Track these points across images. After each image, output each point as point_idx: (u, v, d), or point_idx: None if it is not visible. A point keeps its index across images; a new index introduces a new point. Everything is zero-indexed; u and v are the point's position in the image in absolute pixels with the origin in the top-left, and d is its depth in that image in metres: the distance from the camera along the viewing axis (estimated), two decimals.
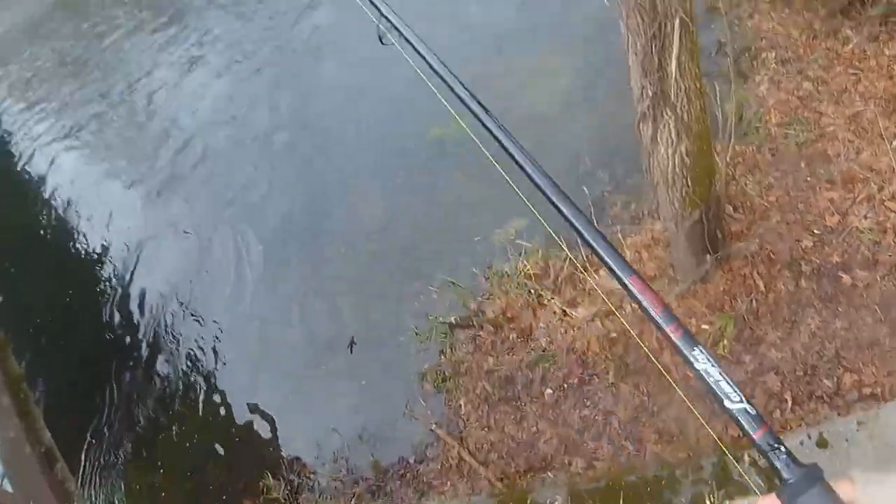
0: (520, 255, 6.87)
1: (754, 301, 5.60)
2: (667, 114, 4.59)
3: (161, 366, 8.59)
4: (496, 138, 2.34)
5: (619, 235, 6.46)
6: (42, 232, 12.88)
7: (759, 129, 7.25)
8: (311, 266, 8.71)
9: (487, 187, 8.01)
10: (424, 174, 9.03)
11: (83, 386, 8.76)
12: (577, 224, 2.04)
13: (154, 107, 14.64)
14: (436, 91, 2.97)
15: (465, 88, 2.62)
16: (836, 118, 7.08)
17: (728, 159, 5.99)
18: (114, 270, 10.48)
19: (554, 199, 2.36)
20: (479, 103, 2.51)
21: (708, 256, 5.52)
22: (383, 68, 10.54)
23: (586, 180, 7.35)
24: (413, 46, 3.11)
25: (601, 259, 1.79)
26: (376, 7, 3.46)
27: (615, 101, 7.46)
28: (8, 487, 4.30)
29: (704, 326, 5.55)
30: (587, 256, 6.48)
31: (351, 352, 7.42)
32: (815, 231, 6.01)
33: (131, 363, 8.81)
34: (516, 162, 2.38)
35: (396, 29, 3.39)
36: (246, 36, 15.15)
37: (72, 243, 11.85)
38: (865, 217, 5.99)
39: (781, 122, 7.23)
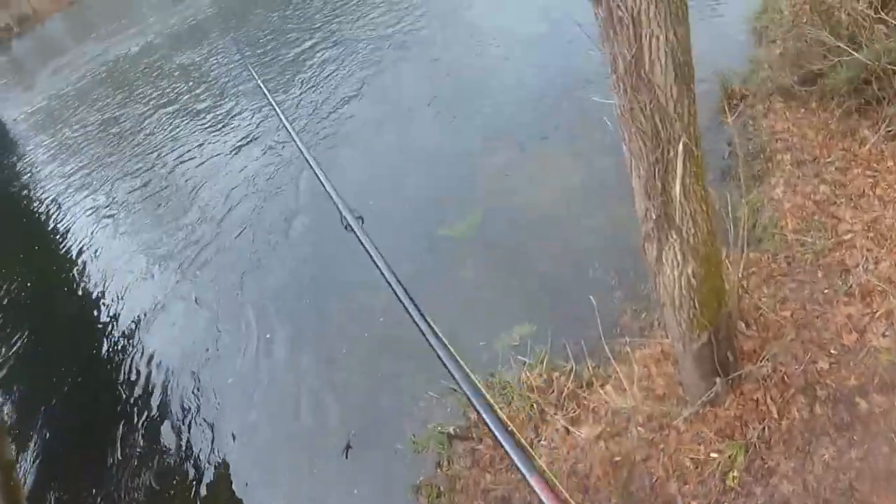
0: (524, 364, 6.63)
1: (767, 428, 5.30)
2: (672, 236, 4.40)
3: (151, 451, 8.45)
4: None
5: (628, 349, 6.19)
6: (62, 294, 13.01)
7: (774, 236, 7.04)
8: (315, 360, 8.58)
9: (493, 288, 7.87)
10: (431, 270, 8.90)
11: (76, 472, 8.61)
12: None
13: (187, 182, 14.95)
14: None
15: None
16: (853, 224, 6.86)
17: (741, 271, 5.77)
18: (123, 345, 10.52)
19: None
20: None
21: (718, 379, 5.25)
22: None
23: (595, 286, 7.16)
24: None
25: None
26: None
27: (626, 203, 7.29)
28: None
29: (713, 455, 5.25)
30: (593, 370, 6.26)
31: (346, 457, 7.18)
32: (832, 351, 5.73)
33: (125, 449, 8.65)
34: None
35: None
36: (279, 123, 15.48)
37: (91, 309, 11.94)
38: (884, 335, 5.71)
39: (797, 229, 7.01)
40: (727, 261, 5.72)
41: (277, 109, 7.16)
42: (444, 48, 15.99)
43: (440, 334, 3.33)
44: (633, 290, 7.17)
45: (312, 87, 16.86)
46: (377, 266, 3.72)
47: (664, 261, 4.60)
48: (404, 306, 3.50)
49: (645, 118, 3.89)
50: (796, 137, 8.28)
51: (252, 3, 28.30)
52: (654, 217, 4.33)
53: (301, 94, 16.65)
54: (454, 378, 3.31)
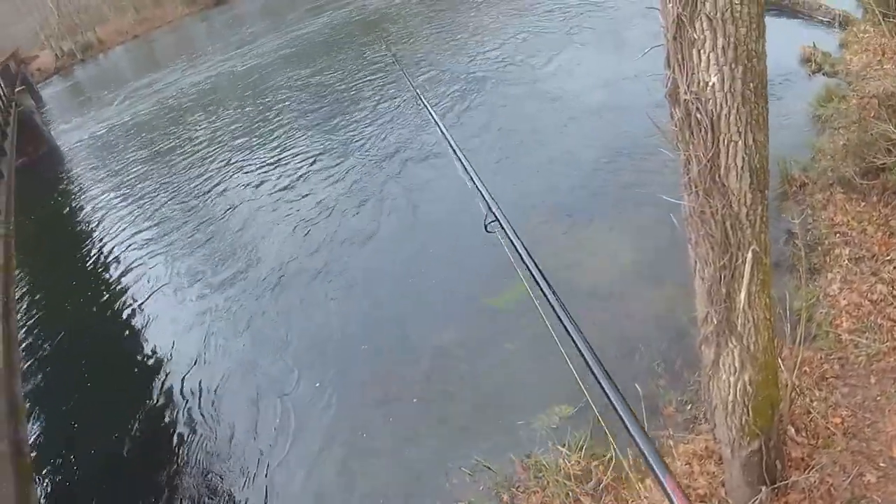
0: (562, 447, 6.43)
1: None
2: (731, 342, 4.25)
3: (170, 477, 8.47)
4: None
5: (671, 441, 5.98)
6: (100, 329, 13.11)
7: (828, 334, 6.81)
8: (350, 422, 8.42)
9: (535, 364, 7.71)
10: (473, 339, 8.81)
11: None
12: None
13: (232, 221, 15.16)
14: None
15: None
16: None
17: (795, 371, 5.58)
18: (159, 384, 10.54)
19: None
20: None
21: (763, 488, 5.02)
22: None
23: (640, 372, 6.98)
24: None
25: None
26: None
27: (677, 287, 7.14)
28: None
29: None
30: (633, 462, 6.05)
31: None
32: (881, 464, 5.48)
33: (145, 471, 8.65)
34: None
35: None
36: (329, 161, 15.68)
37: (129, 348, 11.99)
38: None
39: (852, 329, 6.78)
40: (781, 360, 5.52)
41: (429, 109, 6.99)
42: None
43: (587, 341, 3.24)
44: (679, 380, 6.97)
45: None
46: (527, 267, 3.62)
47: (721, 365, 4.44)
48: (553, 308, 3.39)
49: (715, 223, 3.78)
50: (855, 232, 8.08)
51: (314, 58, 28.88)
52: (715, 322, 4.19)
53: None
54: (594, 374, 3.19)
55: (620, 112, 13.21)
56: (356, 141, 17.33)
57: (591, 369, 3.35)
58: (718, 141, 3.55)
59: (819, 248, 8.09)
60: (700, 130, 3.55)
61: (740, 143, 3.54)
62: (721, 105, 3.45)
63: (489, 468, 6.78)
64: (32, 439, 9.99)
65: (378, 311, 10.20)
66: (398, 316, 9.86)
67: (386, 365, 9.04)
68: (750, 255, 3.84)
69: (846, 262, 7.69)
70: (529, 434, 6.97)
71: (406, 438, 7.81)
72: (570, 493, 5.97)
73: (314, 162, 16.93)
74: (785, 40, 13.17)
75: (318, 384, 9.17)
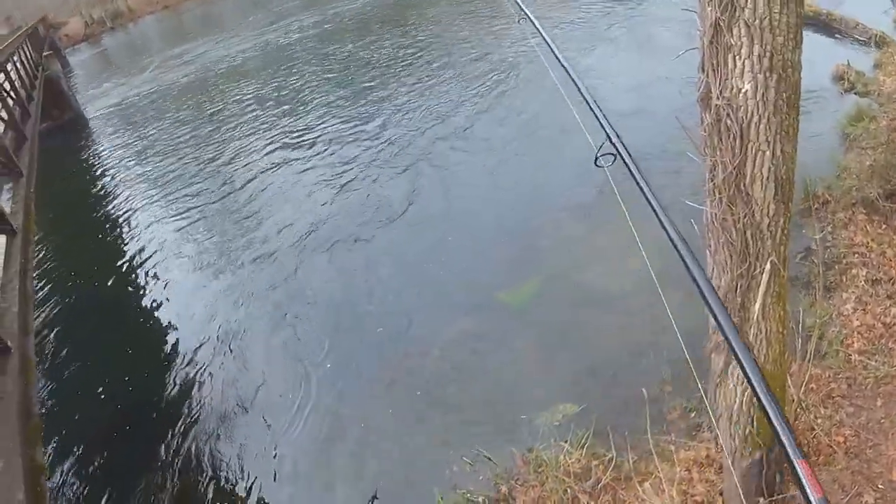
0: (564, 444, 6.45)
1: None
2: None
3: (179, 482, 8.33)
4: None
5: (672, 447, 5.98)
6: (117, 291, 13.24)
7: (838, 353, 6.78)
8: (358, 406, 8.47)
9: (542, 361, 7.75)
10: (483, 333, 8.85)
11: (104, 488, 8.61)
12: None
13: (251, 189, 15.20)
14: None
15: None
16: None
17: (802, 387, 5.57)
18: (172, 348, 10.67)
19: None
20: None
21: (761, 500, 5.04)
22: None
23: (646, 377, 6.97)
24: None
25: None
26: None
27: (692, 298, 7.13)
28: None
29: None
30: (633, 464, 6.07)
31: None
32: (880, 485, 5.46)
33: (155, 474, 8.58)
34: None
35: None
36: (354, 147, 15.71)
37: (146, 321, 12.09)
38: None
39: (863, 350, 6.76)
40: (789, 375, 5.51)
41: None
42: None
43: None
44: (685, 387, 6.94)
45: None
46: (647, 199, 3.51)
47: (729, 374, 4.45)
48: (675, 247, 3.32)
49: (736, 231, 3.77)
50: (874, 254, 8.04)
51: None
52: None
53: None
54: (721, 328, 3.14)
55: (649, 115, 13.15)
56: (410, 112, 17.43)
57: (714, 317, 3.25)
58: (746, 149, 3.53)
59: (836, 267, 8.05)
60: (729, 137, 3.54)
61: (768, 152, 3.53)
62: (752, 113, 3.44)
63: (490, 459, 6.82)
64: (43, 398, 10.07)
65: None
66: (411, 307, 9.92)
67: (405, 349, 9.13)
68: (768, 266, 3.83)
69: (862, 282, 7.65)
70: (532, 429, 7.00)
71: (411, 423, 7.89)
72: (569, 490, 5.98)
73: (352, 134, 16.99)
74: (820, 56, 13.07)
75: (328, 364, 9.23)
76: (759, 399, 2.96)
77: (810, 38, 13.04)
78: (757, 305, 3.99)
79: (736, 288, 3.97)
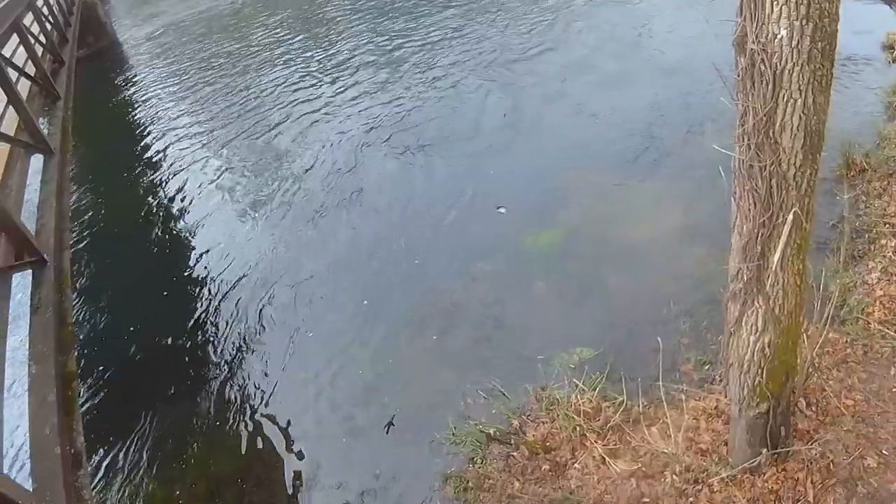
0: (576, 386, 6.58)
1: None
2: (758, 301, 4.31)
3: (204, 400, 8.63)
4: None
5: (683, 396, 6.10)
6: (147, 218, 13.49)
7: (858, 320, 6.80)
8: (380, 335, 8.70)
9: (563, 306, 7.85)
10: (506, 273, 9.00)
11: (130, 400, 8.92)
12: None
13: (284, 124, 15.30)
14: None
15: None
16: None
17: (817, 349, 5.62)
18: (204, 291, 10.76)
19: None
20: None
21: (764, 450, 5.14)
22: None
23: (665, 328, 7.08)
24: None
25: None
26: None
27: (717, 255, 7.19)
28: (28, 486, 4.27)
29: None
30: (643, 409, 6.20)
31: (387, 433, 7.26)
32: (884, 451, 5.52)
33: (180, 392, 8.90)
34: None
35: None
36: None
37: (173, 241, 12.39)
38: None
39: (883, 319, 6.76)
40: (805, 334, 5.56)
41: None
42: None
43: None
44: (702, 341, 7.06)
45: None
46: None
47: (744, 324, 4.52)
48: None
49: (762, 179, 3.81)
50: None
51: None
52: (746, 279, 4.25)
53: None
54: None
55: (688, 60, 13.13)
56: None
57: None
58: (778, 96, 3.56)
59: (866, 236, 8.03)
60: (762, 82, 3.56)
61: (800, 101, 3.55)
62: (786, 60, 3.46)
63: (504, 394, 6.99)
64: (76, 309, 10.34)
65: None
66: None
67: (432, 287, 9.28)
68: (791, 216, 3.87)
69: (890, 253, 7.63)
70: (548, 370, 7.15)
71: (431, 354, 8.12)
72: (578, 428, 6.13)
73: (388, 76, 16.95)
74: (871, 24, 12.81)
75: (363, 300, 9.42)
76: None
77: (864, 7, 12.79)
78: (777, 256, 4.03)
79: (757, 236, 4.01)
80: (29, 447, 4.61)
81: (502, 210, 10.14)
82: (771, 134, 3.66)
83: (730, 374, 5.03)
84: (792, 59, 3.44)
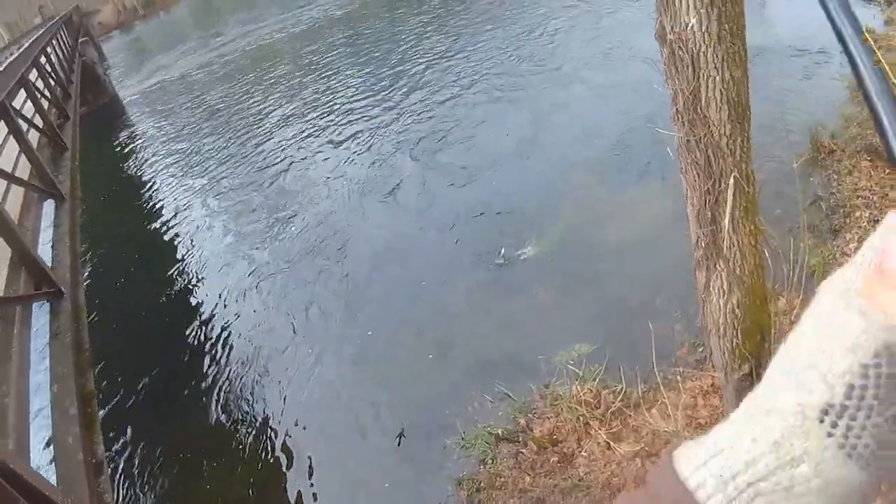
0: (576, 378, 6.94)
1: None
2: (719, 265, 4.69)
3: (220, 414, 9.06)
4: None
5: (679, 378, 6.44)
6: (154, 257, 14.05)
7: None
8: (387, 344, 9.16)
9: (560, 304, 8.21)
10: (503, 279, 9.37)
11: (146, 415, 9.46)
12: None
13: (284, 174, 15.87)
14: None
15: None
16: None
17: (793, 315, 5.95)
18: (209, 314, 11.36)
19: None
20: None
21: None
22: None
23: (658, 315, 7.45)
24: None
25: None
26: None
27: None
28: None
29: None
30: (642, 393, 6.53)
31: (398, 444, 7.59)
32: None
33: (195, 407, 9.40)
34: None
35: None
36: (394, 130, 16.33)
37: (180, 273, 12.95)
38: None
39: None
40: (782, 298, 5.90)
41: None
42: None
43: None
44: (694, 324, 7.39)
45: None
46: None
47: (711, 289, 4.88)
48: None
49: (700, 151, 4.22)
50: (877, 196, 8.35)
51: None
52: (704, 245, 4.63)
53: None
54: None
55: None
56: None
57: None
58: (699, 76, 3.99)
59: (841, 211, 8.39)
60: (683, 67, 4.00)
61: (718, 77, 3.97)
62: (700, 44, 3.89)
63: (509, 396, 7.33)
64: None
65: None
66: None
67: (429, 298, 9.77)
68: (731, 181, 4.27)
69: (865, 223, 8.00)
70: (550, 368, 7.49)
71: (435, 364, 8.53)
72: (581, 418, 6.47)
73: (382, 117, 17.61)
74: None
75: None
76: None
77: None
78: (727, 220, 4.42)
79: (705, 203, 4.41)
80: (53, 453, 5.02)
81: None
82: (699, 109, 4.09)
83: (710, 342, 5.37)
84: (704, 42, 3.88)
